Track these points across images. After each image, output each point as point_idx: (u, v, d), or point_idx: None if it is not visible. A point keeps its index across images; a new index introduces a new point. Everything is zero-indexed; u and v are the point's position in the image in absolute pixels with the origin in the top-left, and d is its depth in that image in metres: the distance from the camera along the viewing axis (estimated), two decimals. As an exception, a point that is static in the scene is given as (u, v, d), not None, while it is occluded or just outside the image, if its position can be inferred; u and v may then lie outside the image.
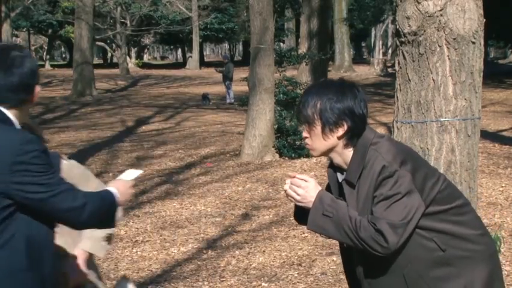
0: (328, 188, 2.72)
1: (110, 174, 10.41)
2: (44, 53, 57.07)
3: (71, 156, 12.69)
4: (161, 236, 7.06)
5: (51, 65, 48.48)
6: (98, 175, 10.35)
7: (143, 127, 16.64)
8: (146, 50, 67.58)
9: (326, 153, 2.58)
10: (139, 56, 60.24)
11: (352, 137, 2.53)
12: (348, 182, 2.56)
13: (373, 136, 2.54)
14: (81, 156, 12.12)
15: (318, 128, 2.51)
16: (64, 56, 73.39)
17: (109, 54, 58.43)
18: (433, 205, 2.48)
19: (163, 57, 72.77)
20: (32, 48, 62.86)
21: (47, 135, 14.90)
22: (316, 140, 2.54)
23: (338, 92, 2.51)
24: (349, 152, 2.56)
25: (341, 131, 2.50)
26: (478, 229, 2.58)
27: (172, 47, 63.61)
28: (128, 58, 45.02)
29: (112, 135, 15.17)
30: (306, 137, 2.59)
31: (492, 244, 2.62)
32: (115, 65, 43.73)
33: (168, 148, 12.88)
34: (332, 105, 2.48)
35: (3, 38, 27.20)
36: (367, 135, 2.54)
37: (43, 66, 47.04)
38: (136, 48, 58.65)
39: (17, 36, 54.09)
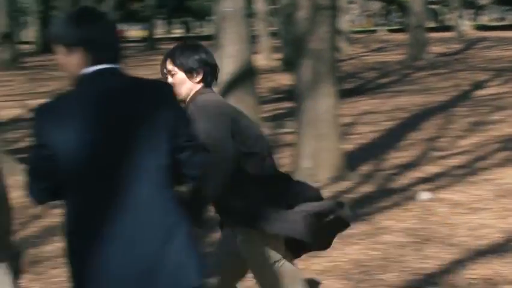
0: None
1: (444, 140, 10.24)
2: (379, 19, 58.18)
3: (405, 122, 12.69)
4: (500, 204, 6.74)
5: (388, 30, 49.08)
6: (431, 140, 10.29)
7: (479, 91, 16.01)
8: (482, 12, 64.97)
9: (186, 96, 3.22)
10: (475, 18, 58.13)
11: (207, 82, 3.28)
12: None
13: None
14: (415, 121, 12.13)
15: (182, 75, 3.20)
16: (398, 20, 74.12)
17: (441, 17, 57.36)
18: None
19: (501, 19, 69.31)
20: (366, 13, 64.59)
21: (381, 100, 15.21)
22: (181, 86, 3.18)
23: (192, 49, 3.25)
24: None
25: (199, 77, 3.22)
26: None
27: (510, 7, 60.17)
28: (462, 21, 43.62)
29: (446, 99, 14.87)
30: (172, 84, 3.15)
31: None
32: (447, 28, 42.71)
33: (507, 113, 12.21)
34: (192, 58, 3.21)
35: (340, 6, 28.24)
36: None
37: (375, 31, 47.96)
38: (473, 10, 56.67)
39: (354, 2, 55.85)
